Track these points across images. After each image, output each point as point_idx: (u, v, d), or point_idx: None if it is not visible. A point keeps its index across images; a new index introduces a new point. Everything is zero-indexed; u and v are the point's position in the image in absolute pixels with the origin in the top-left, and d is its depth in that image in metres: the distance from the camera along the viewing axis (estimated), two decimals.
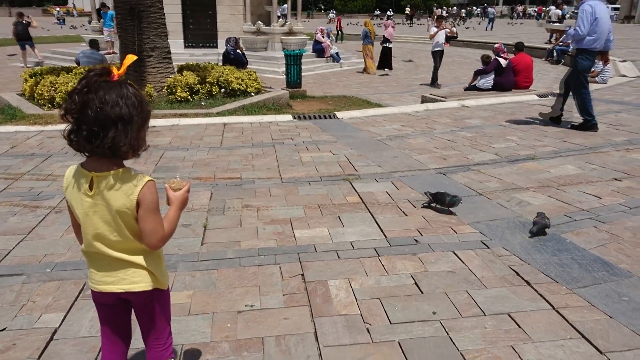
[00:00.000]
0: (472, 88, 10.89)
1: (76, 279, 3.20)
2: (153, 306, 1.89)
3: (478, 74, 10.87)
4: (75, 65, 11.24)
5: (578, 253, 3.47)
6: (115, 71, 1.65)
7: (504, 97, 9.87)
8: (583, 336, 2.59)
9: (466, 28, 41.38)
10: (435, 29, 13.81)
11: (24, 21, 16.85)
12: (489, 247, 3.58)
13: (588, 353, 2.46)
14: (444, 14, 34.94)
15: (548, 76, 15.66)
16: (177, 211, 1.82)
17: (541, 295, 2.96)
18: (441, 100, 9.67)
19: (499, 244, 3.63)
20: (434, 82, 13.67)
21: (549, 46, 20.74)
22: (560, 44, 19.10)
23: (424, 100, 10.12)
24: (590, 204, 4.35)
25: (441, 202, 4.20)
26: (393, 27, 17.83)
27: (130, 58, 1.73)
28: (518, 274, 3.21)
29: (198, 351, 2.49)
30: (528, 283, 3.10)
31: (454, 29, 14.77)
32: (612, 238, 3.70)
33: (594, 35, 6.61)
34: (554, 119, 7.64)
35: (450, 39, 27.77)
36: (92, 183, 1.68)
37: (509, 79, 10.55)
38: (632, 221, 4.00)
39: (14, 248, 3.62)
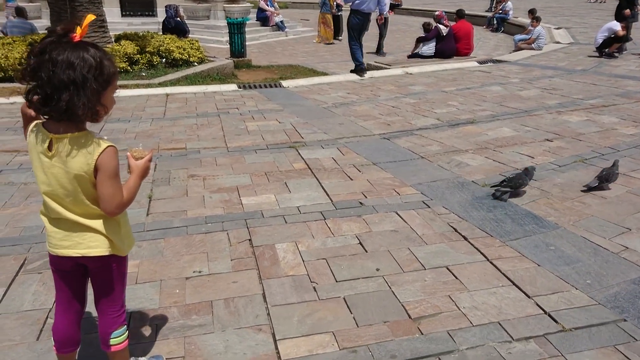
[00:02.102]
0: (415, 55, 11.07)
1: (16, 254, 3.11)
2: (109, 272, 1.88)
3: (420, 41, 11.04)
4: (1, 35, 10.56)
5: (511, 209, 3.69)
6: (78, 31, 1.61)
7: (446, 64, 10.10)
8: (513, 283, 2.79)
9: None
10: None
11: None
12: (429, 207, 3.74)
13: (517, 298, 2.66)
14: None
15: (488, 43, 16.10)
16: (137, 180, 1.81)
17: (477, 249, 3.15)
18: (385, 68, 9.80)
19: (439, 203, 3.80)
20: (379, 50, 13.78)
21: (489, 14, 21.23)
22: (500, 11, 19.61)
23: (369, 68, 10.20)
24: (524, 163, 4.59)
25: (519, 184, 3.87)
26: None
27: (90, 17, 1.67)
28: (456, 230, 3.38)
29: (147, 317, 2.50)
30: (465, 238, 3.28)
31: None
32: (542, 194, 3.95)
33: (358, 0, 8.44)
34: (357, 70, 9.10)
35: (395, 7, 27.96)
36: (51, 144, 1.66)
37: (450, 46, 10.78)
38: (561, 178, 4.27)
39: None
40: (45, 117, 1.65)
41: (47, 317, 2.51)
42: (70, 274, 1.91)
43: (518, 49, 12.21)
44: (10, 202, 3.84)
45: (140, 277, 2.86)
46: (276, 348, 2.31)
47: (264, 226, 3.46)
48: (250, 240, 3.27)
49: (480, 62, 10.33)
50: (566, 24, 17.97)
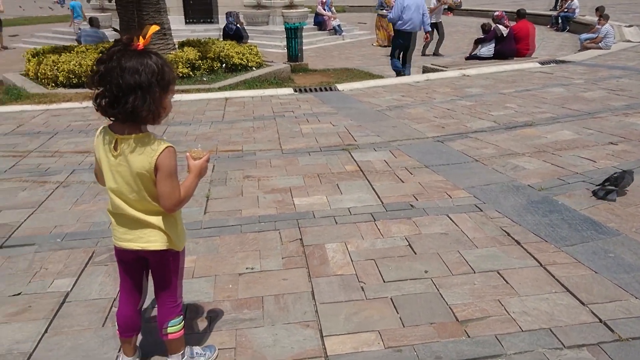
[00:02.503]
0: (473, 57, 10.86)
1: (85, 247, 3.35)
2: (167, 265, 2.02)
3: (478, 42, 10.83)
4: (76, 44, 11.29)
5: (569, 214, 3.58)
6: (140, 40, 1.74)
7: (505, 65, 9.85)
8: (567, 290, 2.71)
9: None
10: (435, 3, 13.79)
11: None
12: (482, 210, 3.69)
13: (571, 305, 2.59)
14: None
15: (552, 43, 15.52)
16: (194, 179, 1.92)
17: (530, 254, 3.08)
18: (442, 70, 9.67)
19: (492, 207, 3.74)
20: (435, 53, 13.67)
21: (553, 13, 20.44)
22: (566, 10, 18.85)
23: (425, 70, 10.12)
24: (584, 167, 4.43)
25: (625, 183, 3.82)
26: None
27: (153, 28, 1.82)
28: (509, 234, 3.33)
29: (201, 309, 2.64)
30: (518, 243, 3.22)
31: (454, 1, 14.53)
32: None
33: (401, 21, 9.21)
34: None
35: (454, 8, 27.44)
36: (116, 144, 1.80)
37: (509, 46, 10.50)
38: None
39: (25, 220, 3.78)
40: (111, 119, 1.79)
41: (111, 306, 2.69)
42: (132, 265, 2.07)
43: (584, 48, 11.72)
44: (81, 199, 4.13)
45: (196, 272, 3.01)
46: (322, 344, 2.37)
47: (315, 226, 3.54)
48: (301, 239, 3.36)
49: (542, 63, 9.99)
50: (638, 21, 17.01)
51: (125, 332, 2.15)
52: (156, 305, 2.14)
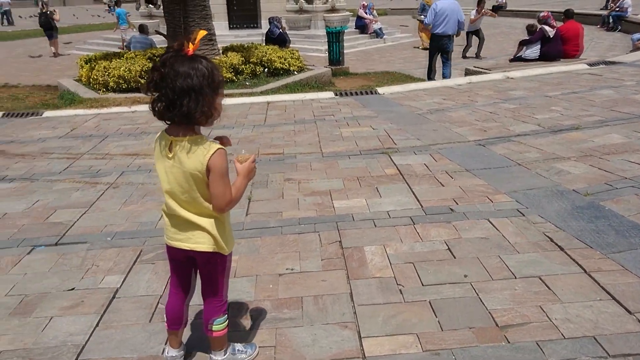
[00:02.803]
0: (517, 59, 10.63)
1: (134, 246, 3.50)
2: (213, 266, 2.09)
3: (523, 44, 10.59)
4: (126, 50, 11.72)
5: (616, 220, 3.48)
6: (190, 46, 1.84)
7: (551, 67, 9.59)
8: (613, 298, 2.64)
9: None
10: (476, 14, 13.70)
11: (47, 12, 17.50)
12: (524, 215, 3.63)
13: (617, 313, 2.52)
14: None
15: (602, 44, 15.01)
16: (243, 180, 1.99)
17: (574, 260, 3.02)
18: (485, 73, 9.52)
19: (534, 212, 3.68)
20: (477, 55, 13.52)
21: (604, 12, 19.74)
22: (617, 9, 18.18)
23: (467, 73, 9.99)
24: (633, 172, 4.28)
25: None
26: None
27: (202, 33, 1.90)
28: (552, 240, 3.26)
29: (243, 308, 2.72)
30: (561, 248, 3.16)
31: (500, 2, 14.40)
32: None
33: (436, 25, 9.57)
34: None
35: (498, 8, 26.90)
36: (171, 146, 1.90)
37: (556, 48, 10.22)
38: None
39: (78, 220, 3.97)
40: (167, 122, 1.89)
41: (157, 303, 2.81)
42: (182, 263, 2.17)
43: (636, 49, 11.30)
44: (130, 200, 4.30)
45: (238, 271, 3.09)
46: (360, 345, 2.40)
47: (354, 229, 3.57)
48: (340, 241, 3.40)
49: (591, 65, 9.67)
50: None
51: (172, 325, 2.25)
52: (203, 303, 2.22)
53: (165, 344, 2.37)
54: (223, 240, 2.03)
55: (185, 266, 2.16)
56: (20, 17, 35.84)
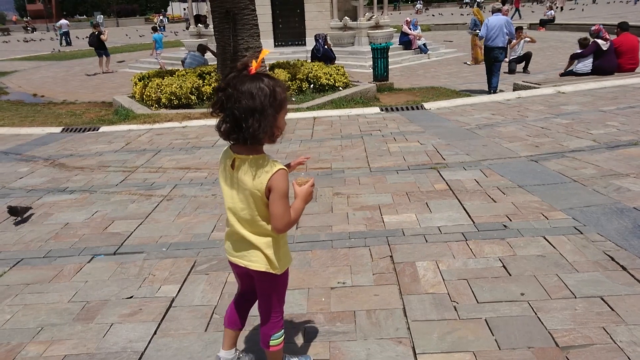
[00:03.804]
0: (568, 73, 10.35)
1: (188, 257, 3.59)
2: (267, 284, 2.10)
3: (574, 58, 10.31)
4: (177, 68, 12.12)
5: None
6: (253, 64, 1.86)
7: (605, 81, 9.29)
8: None
9: (570, 9, 38.97)
10: (514, 40, 13.60)
11: (96, 32, 18.48)
12: (582, 233, 3.51)
13: None
14: None
15: None
16: (301, 203, 1.97)
17: (637, 280, 2.89)
18: (535, 87, 9.31)
19: (593, 229, 3.55)
20: (525, 69, 13.34)
21: None
22: None
23: (516, 87, 9.79)
24: None
25: None
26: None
27: (265, 52, 1.94)
28: (613, 259, 3.14)
29: (296, 320, 2.74)
30: (624, 268, 3.03)
31: (534, 38, 14.18)
32: None
33: (488, 38, 10.23)
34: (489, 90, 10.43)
35: (546, 22, 26.36)
36: (234, 163, 1.91)
37: (610, 61, 9.90)
38: None
39: (134, 230, 4.12)
40: (232, 142, 1.89)
41: (213, 313, 2.87)
42: (242, 275, 2.22)
43: None
44: (183, 212, 4.43)
45: (290, 284, 3.07)
46: None
47: (405, 244, 3.55)
48: (391, 256, 3.39)
49: None
50: None
51: (227, 323, 2.31)
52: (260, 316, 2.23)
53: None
54: (277, 259, 2.02)
55: (246, 277, 2.20)
56: (77, 37, 37.71)
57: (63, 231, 4.20)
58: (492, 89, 10.40)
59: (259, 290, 2.17)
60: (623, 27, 10.59)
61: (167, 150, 6.60)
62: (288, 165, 2.10)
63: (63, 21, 35.93)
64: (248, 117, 1.77)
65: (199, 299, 3.04)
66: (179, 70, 10.81)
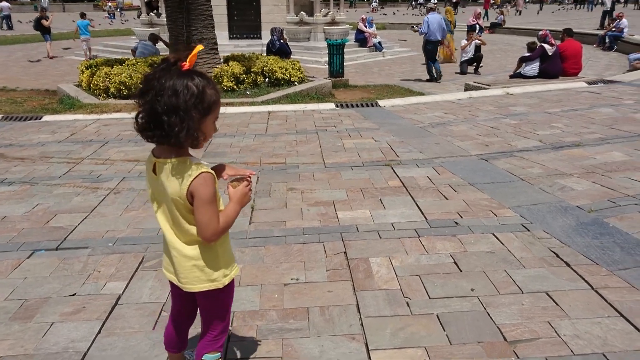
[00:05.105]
0: (517, 75, 10.71)
1: (136, 252, 3.46)
2: (206, 302, 1.92)
3: (523, 61, 10.68)
4: (128, 57, 11.71)
5: (620, 237, 3.48)
6: (188, 59, 1.67)
7: (551, 84, 9.67)
8: (621, 315, 2.63)
9: (518, 13, 40.39)
10: (465, 42, 14.16)
11: (40, 17, 18.12)
12: (529, 230, 3.62)
13: (625, 330, 2.51)
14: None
15: (599, 63, 15.17)
16: (235, 206, 1.80)
17: (580, 276, 3.01)
18: (485, 88, 9.57)
19: (539, 227, 3.67)
20: (476, 70, 13.71)
21: (600, 32, 19.99)
22: (614, 29, 18.41)
23: (467, 88, 10.04)
24: (636, 189, 4.30)
25: None
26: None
27: (199, 47, 1.76)
28: (558, 256, 3.25)
29: (248, 317, 2.68)
30: (568, 264, 3.15)
31: (483, 39, 14.59)
32: None
33: (428, 33, 12.36)
34: (430, 80, 12.45)
35: (496, 26, 27.21)
36: (155, 168, 1.74)
37: (555, 65, 10.31)
38: None
39: (78, 224, 3.93)
40: (148, 140, 1.68)
41: (161, 310, 2.77)
42: (179, 295, 1.99)
43: (633, 68, 11.39)
44: (131, 206, 4.27)
45: (243, 280, 3.06)
46: (369, 357, 2.37)
47: (359, 240, 3.55)
48: (345, 252, 3.38)
49: (589, 83, 9.76)
50: None
51: (168, 347, 2.16)
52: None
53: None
54: (216, 271, 1.83)
55: (184, 297, 1.98)
56: (19, 21, 35.83)
57: (0, 225, 3.96)
58: (438, 73, 12.31)
59: (199, 306, 1.98)
60: (568, 33, 11.06)
61: (116, 141, 6.35)
62: (221, 168, 1.89)
63: (4, 3, 33.98)
64: (165, 115, 1.58)
65: (147, 296, 2.93)
66: (129, 59, 10.44)
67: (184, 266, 1.82)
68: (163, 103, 1.58)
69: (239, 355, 2.41)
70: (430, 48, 12.48)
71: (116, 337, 2.57)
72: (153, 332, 2.60)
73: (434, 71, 12.44)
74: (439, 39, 12.53)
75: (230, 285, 1.91)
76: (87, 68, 9.72)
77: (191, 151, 1.76)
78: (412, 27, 15.28)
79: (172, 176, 1.69)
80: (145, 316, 2.74)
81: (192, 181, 1.67)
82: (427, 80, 12.48)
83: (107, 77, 8.91)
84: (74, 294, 2.97)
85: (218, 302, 1.93)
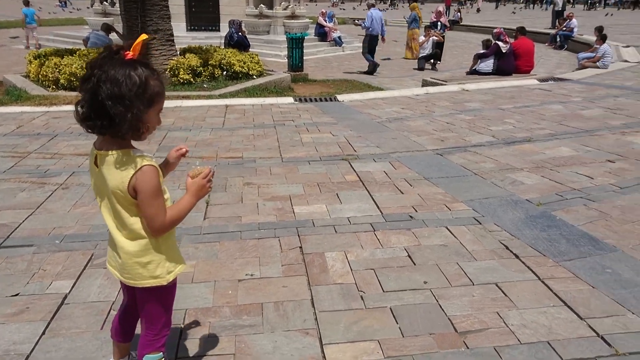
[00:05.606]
0: (473, 72, 10.95)
1: (84, 249, 3.34)
2: (145, 297, 1.87)
3: (478, 57, 10.92)
4: (79, 48, 11.30)
5: (566, 229, 3.61)
6: (132, 49, 1.62)
7: (504, 81, 9.93)
8: (565, 304, 2.73)
9: (478, 10, 41.27)
10: (423, 38, 14.39)
11: None
12: (480, 223, 3.71)
13: (569, 319, 2.61)
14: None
15: (551, 61, 15.69)
16: (190, 198, 1.76)
17: (528, 267, 3.10)
18: (441, 84, 9.75)
19: (490, 220, 3.77)
20: (433, 66, 13.95)
21: (552, 31, 20.68)
22: (564, 29, 19.07)
23: (425, 84, 10.20)
24: (582, 183, 4.47)
25: None
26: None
27: (142, 37, 1.70)
28: (507, 248, 3.34)
29: (200, 314, 2.64)
30: (517, 256, 3.24)
31: (442, 33, 14.85)
32: (600, 216, 3.83)
33: (371, 28, 12.97)
34: (368, 72, 13.15)
35: (454, 23, 27.73)
36: (96, 160, 1.69)
37: (509, 63, 10.60)
38: (622, 200, 4.12)
39: (23, 221, 3.76)
40: (88, 130, 1.63)
41: (110, 309, 2.69)
42: (125, 287, 1.98)
43: (582, 67, 11.84)
44: (80, 202, 4.12)
45: (195, 277, 3.00)
46: (322, 352, 2.37)
47: (315, 235, 3.54)
48: (300, 247, 3.37)
49: (541, 80, 10.09)
50: (636, 42, 17.23)
51: (114, 336, 2.12)
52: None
53: None
54: (160, 268, 1.79)
55: (131, 290, 1.93)
56: None
57: None
58: (374, 65, 13.07)
59: (139, 302, 1.91)
60: (521, 31, 11.40)
61: (65, 134, 6.12)
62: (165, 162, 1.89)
63: None
64: (104, 105, 1.54)
65: (96, 294, 2.84)
66: (80, 49, 10.07)
67: (126, 262, 1.78)
68: (104, 92, 1.54)
69: (190, 353, 2.36)
70: (374, 42, 13.25)
71: (61, 338, 2.47)
72: (101, 332, 2.51)
73: (371, 64, 13.29)
74: (379, 33, 13.26)
75: (173, 282, 1.88)
76: (35, 58, 9.32)
77: (138, 144, 1.72)
78: (355, 21, 15.52)
79: (114, 169, 1.65)
80: (93, 315, 2.65)
81: (134, 174, 1.64)
82: (366, 72, 13.25)
83: (56, 68, 8.57)
84: (17, 294, 2.84)
85: (160, 298, 1.88)
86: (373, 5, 14.20)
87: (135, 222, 1.73)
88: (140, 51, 1.65)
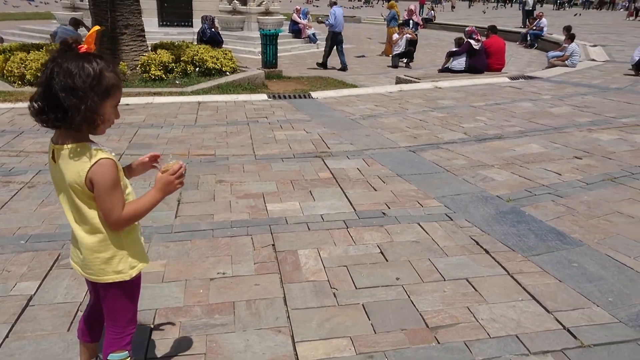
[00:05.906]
0: (445, 70, 11.07)
1: (50, 249, 3.26)
2: (108, 293, 1.84)
3: (450, 55, 11.04)
4: (47, 42, 11.01)
5: (535, 224, 3.68)
6: (84, 44, 1.62)
7: (476, 79, 10.07)
8: (533, 298, 2.78)
9: (452, 8, 41.69)
10: (397, 36, 14.45)
11: None
12: (452, 219, 3.75)
13: (537, 312, 2.66)
14: None
15: (521, 59, 15.97)
16: (155, 194, 1.73)
17: (498, 263, 3.15)
18: (415, 82, 9.83)
19: (461, 216, 3.81)
20: (407, 64, 14.02)
21: (523, 30, 21.05)
22: (534, 28, 19.43)
23: (399, 81, 10.27)
24: (550, 180, 4.56)
25: None
26: None
27: (95, 28, 1.69)
28: (478, 244, 3.39)
29: (171, 314, 2.60)
30: (487, 252, 3.29)
31: (416, 33, 14.93)
32: (567, 211, 3.91)
33: (336, 25, 13.26)
34: (321, 65, 13.72)
35: (427, 21, 27.98)
36: (54, 154, 1.67)
37: (481, 61, 10.75)
38: (588, 196, 4.22)
39: None
40: (43, 124, 1.61)
41: (77, 310, 2.62)
42: (90, 285, 1.95)
43: (551, 65, 12.09)
44: (47, 201, 4.02)
45: (166, 276, 2.96)
46: (294, 350, 2.36)
47: (288, 232, 3.53)
48: (273, 245, 3.35)
49: (512, 78, 10.26)
50: (603, 41, 17.68)
51: (80, 335, 2.08)
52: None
53: None
54: (123, 264, 1.77)
55: (93, 285, 1.90)
56: None
57: None
58: (344, 65, 13.35)
59: (102, 299, 1.87)
60: (493, 30, 11.56)
61: (31, 132, 5.95)
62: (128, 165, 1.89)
63: None
64: (58, 98, 1.53)
65: (62, 295, 2.77)
66: (47, 44, 9.81)
67: (87, 257, 1.75)
68: (57, 84, 1.53)
69: (160, 354, 2.32)
70: (337, 38, 13.52)
71: (26, 341, 2.41)
72: (68, 334, 2.45)
73: (327, 59, 13.67)
74: (341, 30, 13.66)
75: (137, 278, 1.86)
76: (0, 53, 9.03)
77: (100, 139, 1.71)
78: (318, 18, 15.57)
79: (70, 162, 1.63)
80: (59, 317, 2.58)
81: (90, 167, 1.62)
82: (320, 65, 13.68)
83: (22, 63, 8.33)
84: None
85: (123, 294, 1.85)
86: (335, 3, 14.36)
87: (95, 217, 1.70)
88: (94, 43, 1.65)
